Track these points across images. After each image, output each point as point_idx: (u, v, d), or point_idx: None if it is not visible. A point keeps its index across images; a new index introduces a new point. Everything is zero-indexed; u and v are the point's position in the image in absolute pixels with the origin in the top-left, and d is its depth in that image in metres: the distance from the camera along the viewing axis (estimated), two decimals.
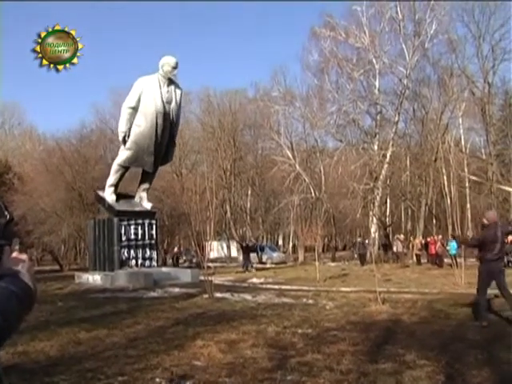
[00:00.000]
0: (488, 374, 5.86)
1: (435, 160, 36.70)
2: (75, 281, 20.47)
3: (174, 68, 18.98)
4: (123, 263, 20.34)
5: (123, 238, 20.46)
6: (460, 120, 41.53)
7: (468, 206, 40.58)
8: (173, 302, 13.50)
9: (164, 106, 19.11)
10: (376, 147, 38.73)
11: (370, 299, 11.86)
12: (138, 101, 19.30)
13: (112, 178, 20.67)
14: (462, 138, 43.17)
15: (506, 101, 41.07)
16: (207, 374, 6.17)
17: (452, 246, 23.50)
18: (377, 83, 39.40)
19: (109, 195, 20.54)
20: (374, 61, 39.06)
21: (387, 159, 37.85)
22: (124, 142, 19.82)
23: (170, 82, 19.40)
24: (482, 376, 5.76)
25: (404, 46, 38.48)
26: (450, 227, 38.12)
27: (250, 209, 49.75)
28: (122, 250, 20.50)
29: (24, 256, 1.79)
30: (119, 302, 13.66)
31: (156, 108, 19.01)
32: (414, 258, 31.04)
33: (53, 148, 35.47)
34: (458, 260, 18.89)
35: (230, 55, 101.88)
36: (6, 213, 1.68)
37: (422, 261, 29.77)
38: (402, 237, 35.11)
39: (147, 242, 20.90)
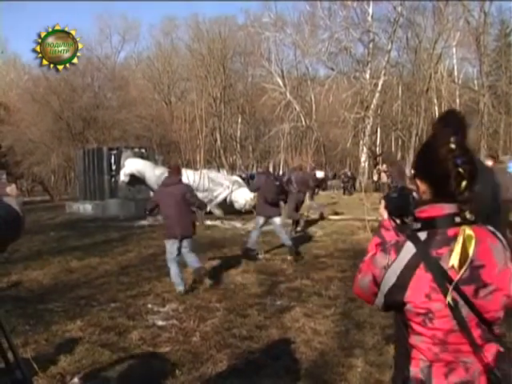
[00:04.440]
0: None
1: (427, 90, 36.27)
2: (66, 210, 20.55)
3: None
4: (114, 192, 20.38)
5: (113, 167, 20.42)
6: (454, 50, 40.74)
7: None
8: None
9: None
10: (368, 76, 38.15)
11: (359, 227, 12.04)
12: None
13: None
14: (455, 68, 42.52)
15: (501, 31, 40.15)
16: (198, 300, 6.31)
17: None
18: (370, 10, 38.26)
19: None
20: None
21: (379, 88, 37.37)
22: None
23: None
24: None
25: None
26: None
27: (240, 137, 49.49)
28: (113, 179, 20.50)
29: (12, 185, 1.79)
30: (110, 231, 13.78)
31: None
32: None
33: (38, 77, 34.45)
34: None
35: None
36: None
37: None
38: (384, 167, 34.78)
39: None
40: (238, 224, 14.60)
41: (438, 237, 1.60)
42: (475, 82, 42.42)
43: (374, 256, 1.70)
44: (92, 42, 46.25)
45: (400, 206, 1.82)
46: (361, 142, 38.56)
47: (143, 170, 18.26)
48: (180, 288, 6.75)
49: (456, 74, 42.19)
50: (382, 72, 37.53)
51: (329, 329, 5.03)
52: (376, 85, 37.41)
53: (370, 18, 38.27)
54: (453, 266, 1.53)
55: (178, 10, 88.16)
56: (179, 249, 7.00)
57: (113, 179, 20.44)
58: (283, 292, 6.58)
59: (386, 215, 1.85)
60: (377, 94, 37.31)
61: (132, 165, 18.78)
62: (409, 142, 38.49)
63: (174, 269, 6.84)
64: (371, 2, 38.02)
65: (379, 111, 39.07)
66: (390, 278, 1.62)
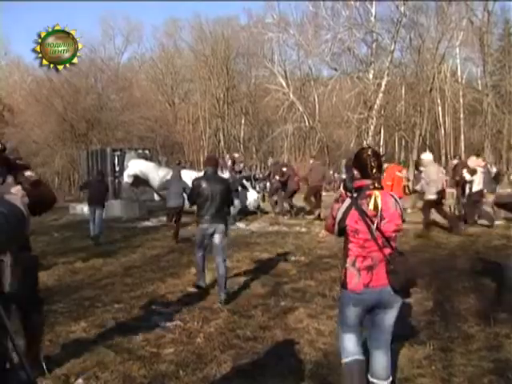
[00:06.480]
0: (474, 300, 6.02)
1: (430, 90, 36.17)
2: (70, 212, 20.55)
3: None
4: (117, 193, 20.40)
5: (117, 169, 20.44)
6: (457, 50, 40.57)
7: (462, 137, 40.46)
8: (167, 231, 13.64)
9: None
10: (371, 76, 38.04)
11: None
12: None
13: None
14: (459, 68, 42.37)
15: (505, 30, 39.93)
16: (202, 301, 6.31)
17: None
18: (373, 10, 38.12)
19: None
20: None
21: (382, 88, 37.25)
22: None
23: None
24: (469, 302, 5.93)
25: None
26: (443, 158, 38.28)
27: (243, 138, 49.45)
28: (116, 181, 20.51)
29: (18, 186, 1.80)
30: (114, 232, 13.79)
31: None
32: (406, 189, 31.12)
33: (42, 79, 34.50)
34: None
35: None
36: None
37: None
38: (385, 166, 34.54)
39: None
40: (241, 224, 14.59)
41: (361, 195, 3.34)
42: (479, 81, 42.23)
43: (334, 207, 3.47)
44: (95, 43, 46.14)
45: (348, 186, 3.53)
46: (364, 143, 38.42)
47: (147, 171, 18.30)
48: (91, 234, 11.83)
49: (459, 73, 42.06)
50: (386, 72, 37.41)
51: (333, 329, 5.02)
52: (379, 85, 37.30)
53: (373, 18, 38.14)
54: (370, 210, 3.28)
55: (181, 12, 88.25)
56: (94, 212, 11.88)
57: (116, 180, 20.47)
58: (287, 293, 6.58)
59: (343, 191, 3.48)
60: (380, 95, 37.20)
61: (135, 166, 18.83)
62: (412, 143, 38.39)
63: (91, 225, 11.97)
64: (374, 2, 37.90)
65: (382, 111, 38.92)
66: (340, 214, 3.38)
